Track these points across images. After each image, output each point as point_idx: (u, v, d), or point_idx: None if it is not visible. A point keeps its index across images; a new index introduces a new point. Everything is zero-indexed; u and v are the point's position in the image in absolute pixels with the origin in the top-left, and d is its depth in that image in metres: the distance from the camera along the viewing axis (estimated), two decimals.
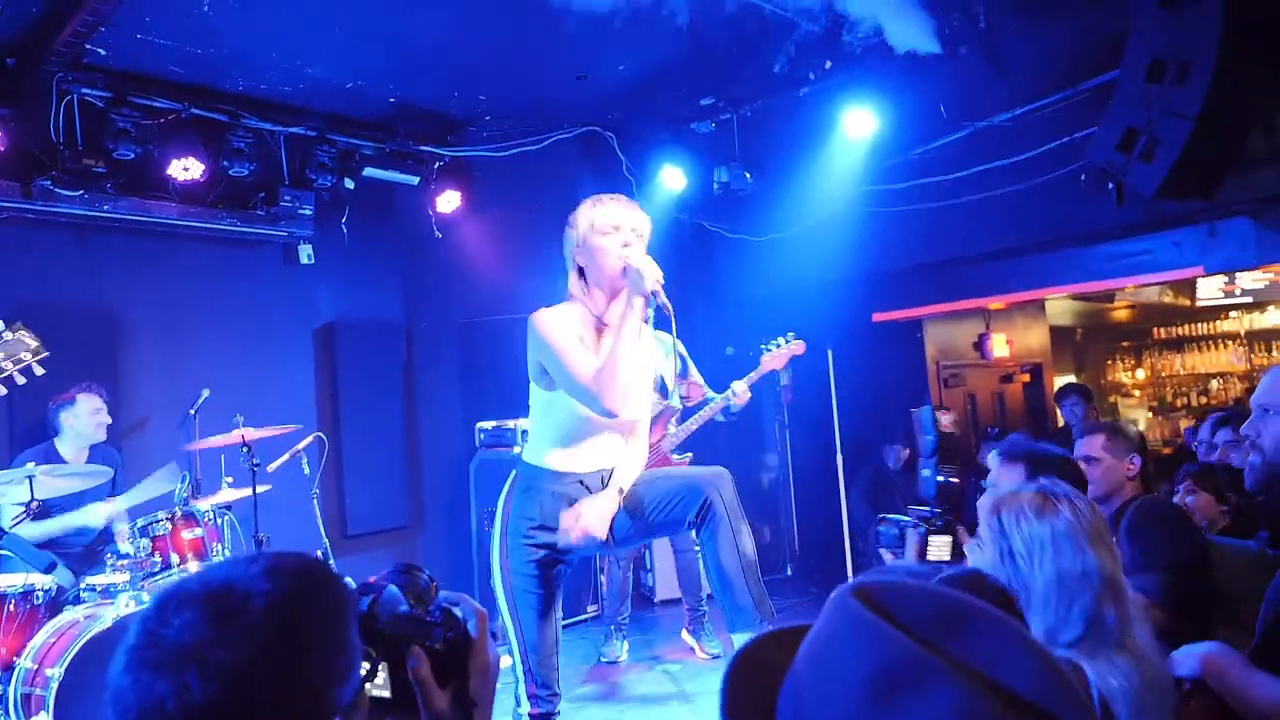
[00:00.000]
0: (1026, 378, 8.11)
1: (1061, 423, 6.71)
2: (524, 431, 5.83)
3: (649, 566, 6.36)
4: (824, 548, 6.76)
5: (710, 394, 4.98)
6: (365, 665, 1.05)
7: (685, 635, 5.26)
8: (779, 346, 4.96)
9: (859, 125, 5.55)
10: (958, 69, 4.72)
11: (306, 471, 4.98)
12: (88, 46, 4.68)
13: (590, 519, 2.65)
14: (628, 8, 4.50)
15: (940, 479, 2.63)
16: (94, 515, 4.24)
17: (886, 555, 2.34)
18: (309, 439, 5.03)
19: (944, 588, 0.76)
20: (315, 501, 5.01)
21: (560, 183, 6.38)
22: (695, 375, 5.09)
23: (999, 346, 7.58)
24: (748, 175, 5.99)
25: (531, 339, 2.66)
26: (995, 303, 7.01)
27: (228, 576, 0.97)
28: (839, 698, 0.69)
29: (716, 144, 6.21)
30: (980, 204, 5.46)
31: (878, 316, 6.61)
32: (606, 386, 2.52)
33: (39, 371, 2.22)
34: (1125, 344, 10.43)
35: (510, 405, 6.18)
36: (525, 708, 2.78)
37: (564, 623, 5.78)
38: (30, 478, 3.68)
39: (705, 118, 6.15)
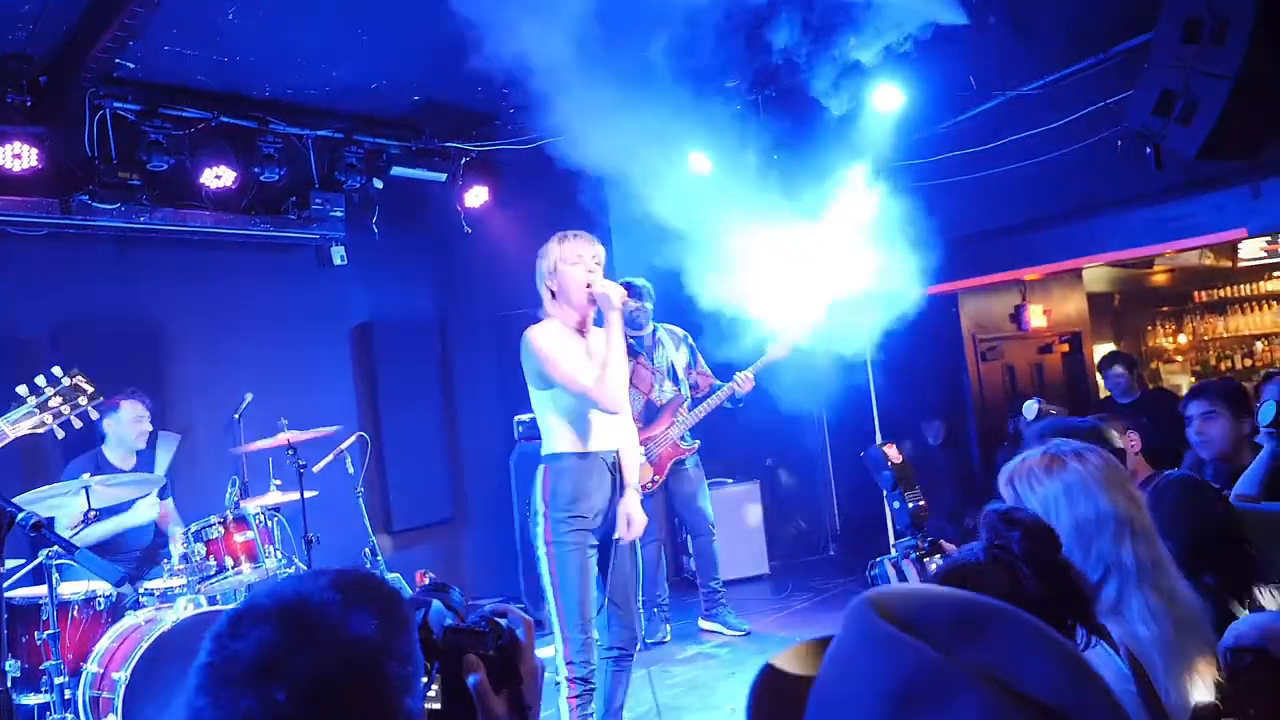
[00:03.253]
0: (1065, 347, 8.02)
1: (1104, 393, 6.63)
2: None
3: (690, 551, 6.39)
4: (866, 526, 6.74)
5: (717, 382, 5.23)
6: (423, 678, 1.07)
7: (702, 623, 5.35)
8: (773, 346, 5.15)
9: (886, 100, 5.50)
10: (986, 39, 4.66)
11: (351, 470, 5.06)
12: (117, 61, 4.76)
13: (636, 517, 3.29)
14: None
15: (910, 506, 2.89)
16: (141, 513, 4.34)
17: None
18: (352, 439, 5.11)
19: (958, 592, 0.73)
20: (361, 500, 5.10)
21: (585, 173, 6.38)
22: (703, 365, 5.40)
23: (1036, 317, 7.50)
24: (774, 156, 5.96)
25: (529, 353, 3.26)
26: (1031, 274, 6.93)
27: (298, 590, 0.98)
28: (862, 714, 0.67)
29: (742, 125, 6.17)
30: (1013, 175, 5.39)
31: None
32: (605, 391, 3.16)
33: (94, 415, 2.30)
34: (1165, 309, 10.26)
35: None
36: (563, 673, 3.12)
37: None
38: (86, 488, 3.80)
39: (730, 100, 6.12)
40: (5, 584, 3.83)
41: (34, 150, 4.67)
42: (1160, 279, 9.85)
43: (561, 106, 6.14)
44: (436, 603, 1.12)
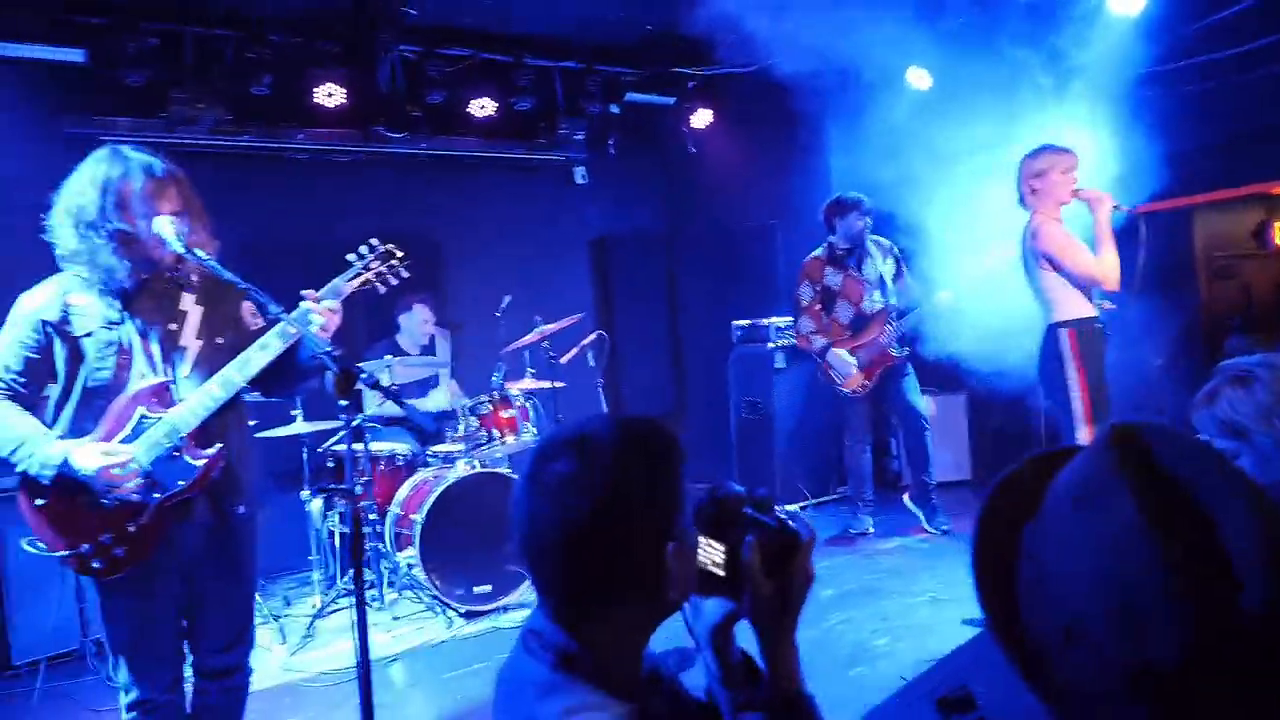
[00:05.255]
0: None
1: None
2: (778, 329, 5.92)
3: (894, 452, 6.30)
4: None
5: (918, 293, 5.13)
6: (712, 543, 1.16)
7: (907, 501, 5.36)
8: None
9: (1125, 3, 4.90)
10: None
11: (591, 364, 5.38)
12: (403, 10, 5.14)
13: None
14: None
15: None
16: (434, 400, 4.89)
17: None
18: (592, 336, 5.40)
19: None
20: (600, 390, 5.43)
21: (806, 92, 6.19)
22: (908, 275, 5.25)
23: None
24: (1000, 68, 5.49)
25: (1043, 239, 3.78)
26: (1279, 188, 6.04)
27: (593, 428, 1.14)
28: (1057, 505, 0.76)
29: (965, 39, 5.72)
30: (1264, 81, 4.68)
31: (1142, 208, 5.91)
32: (1112, 273, 3.76)
33: (406, 275, 2.57)
34: None
35: (762, 304, 6.27)
36: None
37: (815, 501, 5.91)
38: (389, 367, 4.32)
39: (953, 14, 5.68)
40: (331, 441, 4.47)
41: (342, 90, 5.17)
42: None
43: (782, 28, 5.97)
44: (738, 487, 1.20)
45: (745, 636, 1.22)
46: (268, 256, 5.10)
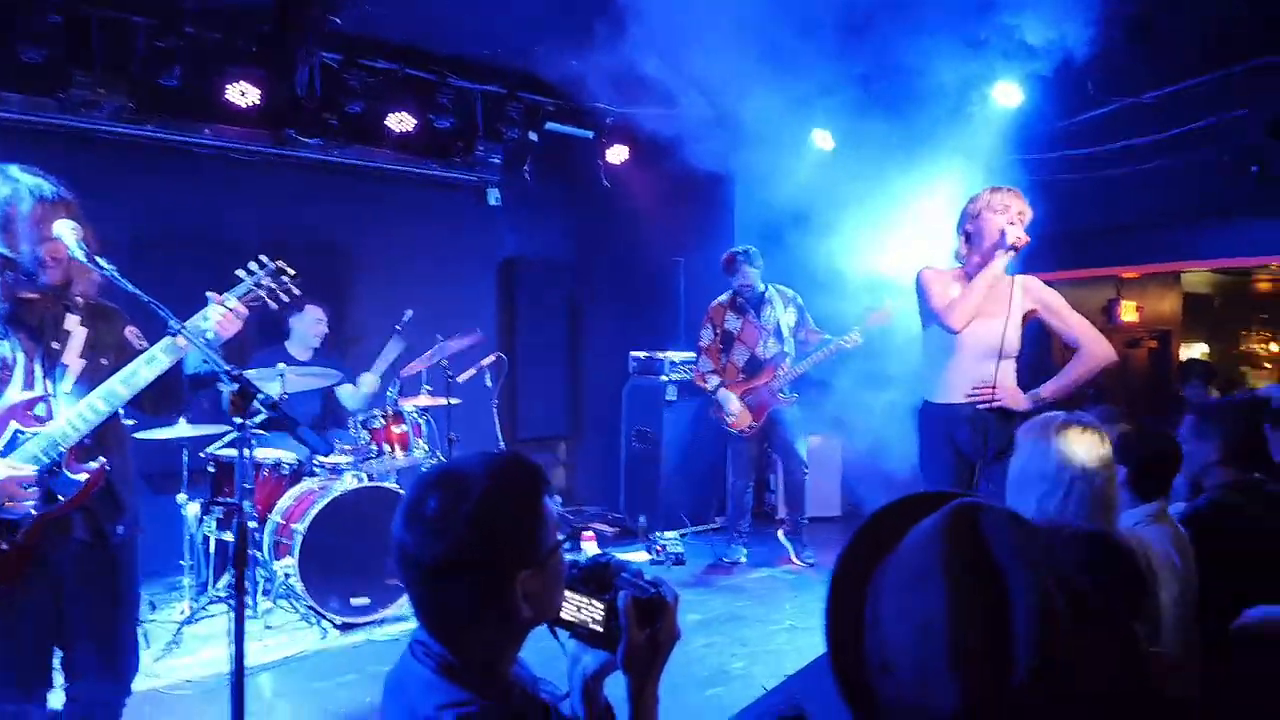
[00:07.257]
0: (1154, 344, 7.74)
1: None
2: (673, 363, 6.13)
3: (772, 488, 6.60)
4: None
5: (826, 337, 5.33)
6: (593, 602, 1.31)
7: (780, 536, 5.59)
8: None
9: (1007, 96, 5.39)
10: (1109, 46, 4.50)
11: (489, 384, 5.46)
12: (328, 17, 5.12)
13: None
14: None
15: None
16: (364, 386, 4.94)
17: None
18: (491, 358, 5.48)
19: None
20: (495, 410, 5.50)
21: (716, 141, 6.47)
22: (812, 324, 5.54)
23: (1128, 312, 7.27)
24: (893, 139, 5.90)
25: (921, 280, 3.34)
26: (1129, 272, 6.71)
27: (454, 466, 1.26)
28: (897, 563, 0.91)
29: (864, 108, 6.12)
30: (1120, 178, 5.24)
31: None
32: (951, 311, 3.17)
33: (296, 293, 2.61)
34: (1264, 316, 9.68)
35: (661, 338, 6.48)
36: None
37: (695, 529, 6.11)
38: (280, 375, 4.29)
39: (854, 85, 6.07)
40: (214, 446, 4.40)
41: (256, 90, 5.10)
42: (1264, 287, 9.29)
43: (698, 79, 6.24)
44: (616, 558, 1.38)
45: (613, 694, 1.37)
46: (162, 250, 4.99)
